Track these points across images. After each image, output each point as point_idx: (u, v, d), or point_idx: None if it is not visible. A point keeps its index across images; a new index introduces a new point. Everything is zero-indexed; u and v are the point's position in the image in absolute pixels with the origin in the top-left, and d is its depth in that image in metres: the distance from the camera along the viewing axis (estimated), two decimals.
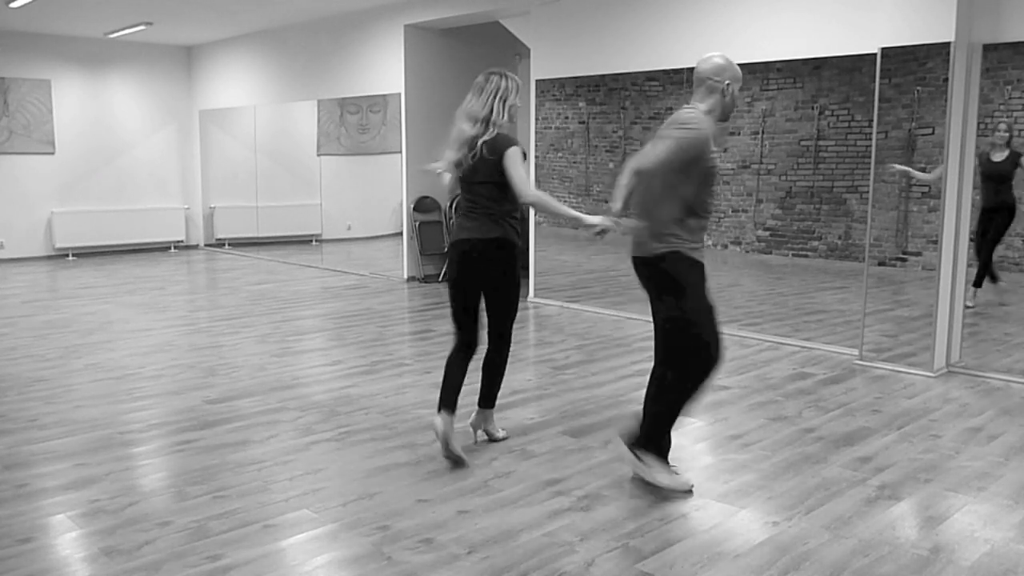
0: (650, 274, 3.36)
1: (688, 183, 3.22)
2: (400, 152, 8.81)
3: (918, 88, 5.57)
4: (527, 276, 7.97)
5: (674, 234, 3.25)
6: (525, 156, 3.61)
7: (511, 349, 3.89)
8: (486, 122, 3.58)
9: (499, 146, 3.55)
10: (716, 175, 3.37)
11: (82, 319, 6.81)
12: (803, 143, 8.20)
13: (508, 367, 5.28)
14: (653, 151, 3.17)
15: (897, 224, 6.73)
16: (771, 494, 3.34)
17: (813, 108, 8.05)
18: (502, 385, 3.92)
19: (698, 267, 3.30)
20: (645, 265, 3.35)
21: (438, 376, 5.06)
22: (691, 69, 3.48)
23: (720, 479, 3.51)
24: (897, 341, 5.76)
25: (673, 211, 3.25)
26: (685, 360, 3.34)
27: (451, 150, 3.66)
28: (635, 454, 3.45)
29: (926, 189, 5.86)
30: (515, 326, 3.84)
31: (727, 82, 3.31)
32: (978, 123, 5.21)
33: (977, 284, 6.15)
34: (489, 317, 3.77)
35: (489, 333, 3.80)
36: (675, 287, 3.28)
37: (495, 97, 3.60)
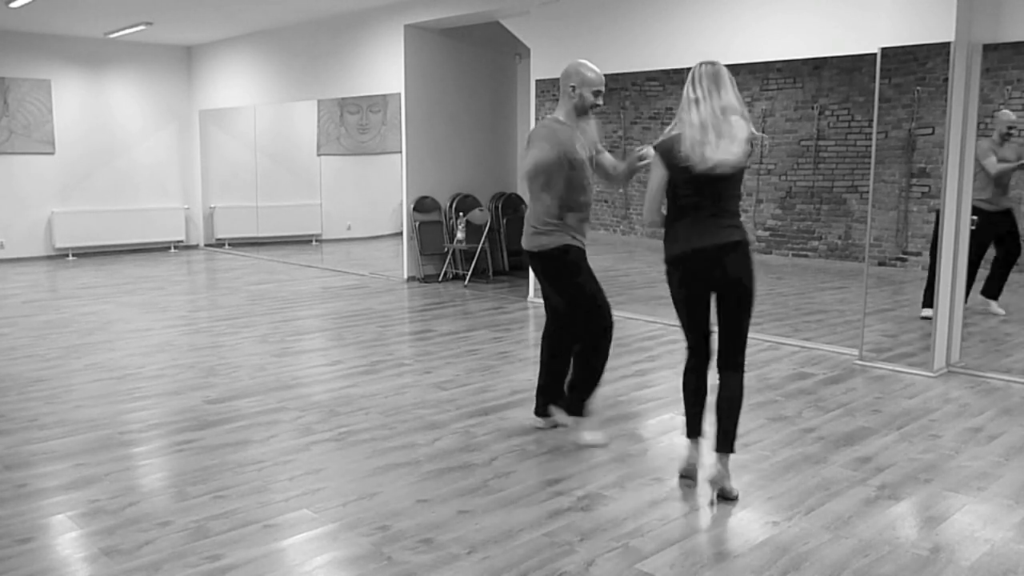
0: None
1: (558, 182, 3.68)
2: (400, 152, 8.81)
3: (918, 88, 5.57)
4: (527, 276, 7.97)
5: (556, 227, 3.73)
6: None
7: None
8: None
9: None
10: (582, 169, 3.74)
11: (82, 319, 6.81)
12: (803, 143, 8.20)
13: (509, 367, 5.31)
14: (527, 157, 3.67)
15: (897, 224, 6.72)
16: (771, 494, 3.34)
17: (813, 108, 8.05)
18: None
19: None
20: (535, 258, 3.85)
21: (438, 376, 5.09)
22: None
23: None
24: (897, 341, 5.76)
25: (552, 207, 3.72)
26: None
27: None
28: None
29: (926, 189, 5.86)
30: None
31: (572, 85, 3.73)
32: (978, 123, 5.20)
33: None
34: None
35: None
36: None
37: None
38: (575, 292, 3.80)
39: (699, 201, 3.23)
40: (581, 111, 3.79)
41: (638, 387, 4.76)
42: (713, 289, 3.26)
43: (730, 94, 3.22)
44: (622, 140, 8.18)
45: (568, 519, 3.10)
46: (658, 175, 3.28)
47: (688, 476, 3.45)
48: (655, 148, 3.30)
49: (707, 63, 3.27)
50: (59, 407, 4.44)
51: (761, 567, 2.75)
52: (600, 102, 3.79)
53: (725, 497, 3.27)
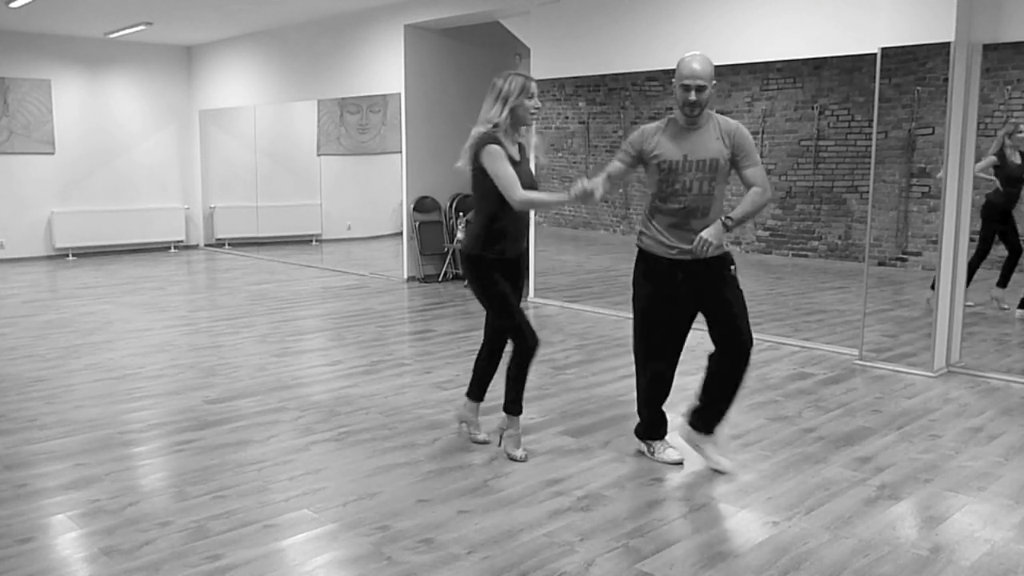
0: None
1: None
2: (400, 152, 8.81)
3: (918, 88, 5.57)
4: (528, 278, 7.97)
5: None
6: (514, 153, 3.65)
7: (514, 350, 3.79)
8: (484, 123, 3.63)
9: (474, 146, 3.59)
10: (666, 169, 3.53)
11: (82, 319, 6.81)
12: (803, 143, 8.20)
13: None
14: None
15: (897, 224, 6.73)
16: (771, 494, 3.34)
17: (813, 108, 8.06)
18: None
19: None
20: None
21: (438, 376, 5.09)
22: None
23: (720, 479, 3.51)
24: (897, 341, 5.76)
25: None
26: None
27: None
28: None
29: (926, 189, 5.86)
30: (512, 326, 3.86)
31: (674, 79, 3.52)
32: (978, 123, 5.20)
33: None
34: None
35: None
36: None
37: (495, 98, 3.68)
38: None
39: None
40: (681, 107, 3.46)
41: None
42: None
43: (485, 103, 3.58)
44: (622, 140, 8.19)
45: (568, 519, 3.10)
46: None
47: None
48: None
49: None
50: (59, 407, 4.44)
51: (761, 567, 2.75)
52: (692, 98, 3.39)
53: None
